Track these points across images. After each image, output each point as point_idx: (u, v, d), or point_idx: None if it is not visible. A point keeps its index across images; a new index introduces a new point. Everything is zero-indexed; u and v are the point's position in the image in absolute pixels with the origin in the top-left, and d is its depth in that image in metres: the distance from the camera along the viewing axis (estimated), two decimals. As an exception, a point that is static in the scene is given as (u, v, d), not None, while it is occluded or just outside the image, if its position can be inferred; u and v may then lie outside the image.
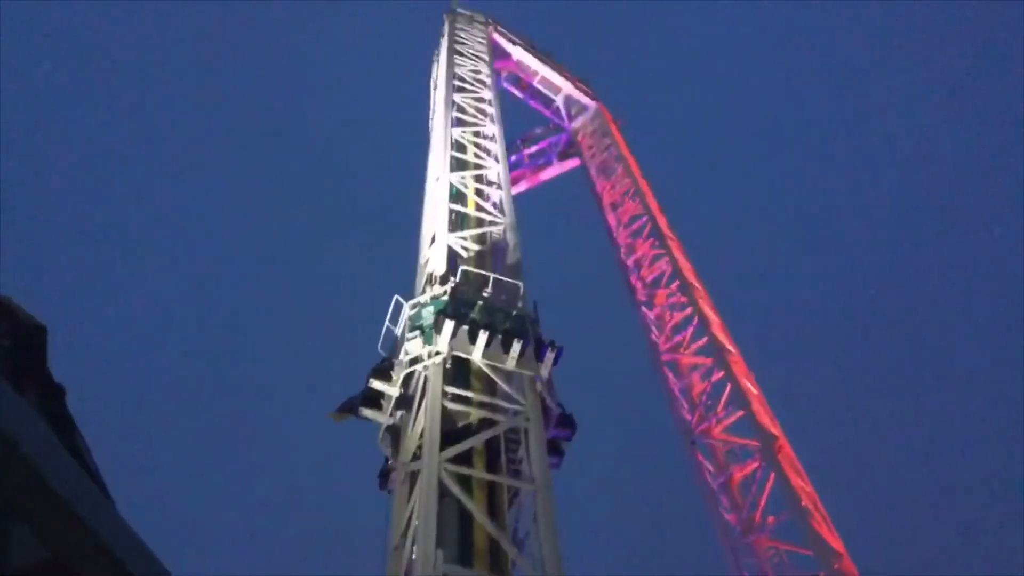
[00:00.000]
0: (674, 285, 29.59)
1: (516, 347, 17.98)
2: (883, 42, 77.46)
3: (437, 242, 21.75)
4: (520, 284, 20.75)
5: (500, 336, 18.11)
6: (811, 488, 24.05)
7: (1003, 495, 61.65)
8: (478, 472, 17.08)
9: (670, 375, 27.58)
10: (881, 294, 75.74)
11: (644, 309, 29.41)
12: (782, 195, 78.56)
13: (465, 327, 18.02)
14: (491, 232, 23.16)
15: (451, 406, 18.05)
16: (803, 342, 72.62)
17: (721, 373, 26.62)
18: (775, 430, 25.62)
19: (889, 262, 75.87)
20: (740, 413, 25.52)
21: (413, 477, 16.78)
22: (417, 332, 18.43)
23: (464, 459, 17.16)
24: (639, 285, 30.08)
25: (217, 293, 77.62)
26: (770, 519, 23.31)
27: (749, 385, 26.79)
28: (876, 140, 78.84)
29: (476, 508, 15.89)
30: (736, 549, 23.04)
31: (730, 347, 27.91)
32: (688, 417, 26.36)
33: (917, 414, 69.36)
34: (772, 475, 23.57)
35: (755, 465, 24.23)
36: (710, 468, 25.13)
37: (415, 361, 18.01)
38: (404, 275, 22.80)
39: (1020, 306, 65.91)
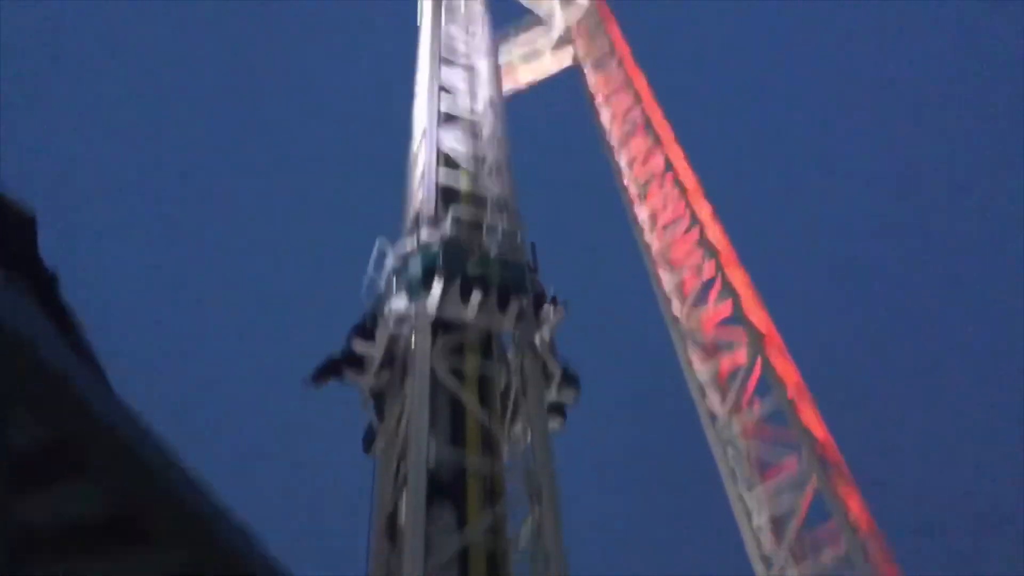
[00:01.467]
0: (668, 181, 29.65)
1: (514, 307, 16.65)
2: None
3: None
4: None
5: (495, 293, 16.65)
6: (798, 376, 24.81)
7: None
8: (470, 363, 17.72)
9: (663, 274, 28.00)
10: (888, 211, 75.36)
11: (636, 209, 29.60)
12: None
13: (457, 282, 16.45)
14: (482, 144, 21.27)
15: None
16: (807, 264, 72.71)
17: (712, 268, 27.01)
18: (764, 320, 26.23)
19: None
20: (730, 307, 26.05)
21: (405, 372, 17.40)
22: (403, 286, 16.95)
23: (456, 351, 17.85)
24: (632, 186, 30.18)
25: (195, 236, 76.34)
26: (756, 404, 24.11)
27: (739, 277, 27.25)
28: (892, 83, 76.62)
29: (468, 397, 16.58)
30: (722, 437, 23.94)
31: (721, 241, 28.21)
32: (678, 312, 26.90)
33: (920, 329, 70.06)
34: (759, 363, 24.26)
35: (743, 354, 24.90)
36: (699, 360, 25.81)
37: (401, 321, 16.62)
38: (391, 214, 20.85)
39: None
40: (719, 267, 26.72)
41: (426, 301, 16.32)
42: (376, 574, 14.81)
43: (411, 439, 15.31)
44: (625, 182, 30.40)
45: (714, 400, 24.99)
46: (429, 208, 18.78)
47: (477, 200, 19.95)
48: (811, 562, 21.38)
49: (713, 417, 24.53)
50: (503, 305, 16.62)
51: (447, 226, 18.13)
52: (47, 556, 2.88)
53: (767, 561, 21.87)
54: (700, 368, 25.66)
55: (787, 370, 25.01)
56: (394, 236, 18.86)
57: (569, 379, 17.21)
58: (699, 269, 27.29)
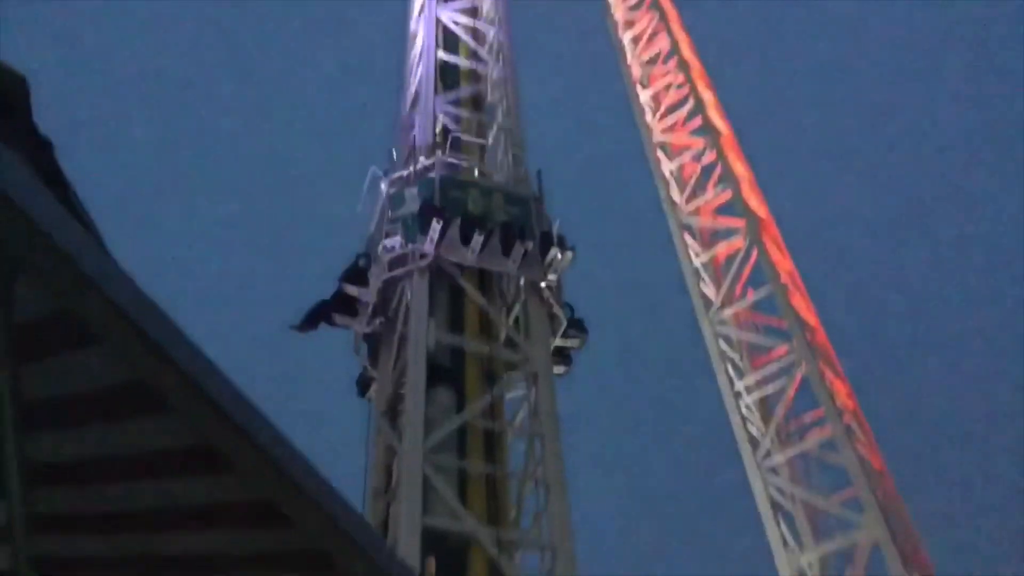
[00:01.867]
0: (672, 63, 28.93)
1: (518, 250, 15.46)
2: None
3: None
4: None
5: (499, 233, 15.47)
6: (791, 265, 24.90)
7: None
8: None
9: (663, 158, 27.66)
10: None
11: (639, 89, 28.94)
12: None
13: (457, 223, 15.16)
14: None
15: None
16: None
17: (713, 155, 26.68)
18: (762, 210, 26.12)
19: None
20: (728, 194, 25.87)
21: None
22: (398, 223, 15.79)
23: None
24: (635, 65, 29.42)
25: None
26: (750, 293, 24.28)
27: (740, 167, 26.96)
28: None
29: (467, 283, 16.61)
30: (714, 324, 24.20)
31: (724, 128, 27.77)
32: (677, 198, 26.73)
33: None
34: (755, 251, 24.30)
35: (740, 243, 24.89)
36: (695, 248, 25.82)
37: (396, 263, 15.50)
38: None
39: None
40: (720, 152, 26.40)
41: (423, 244, 15.10)
42: (377, 456, 15.14)
43: (411, 323, 15.41)
44: (629, 61, 29.64)
45: (709, 287, 25.16)
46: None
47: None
48: (796, 446, 21.99)
49: (707, 304, 24.74)
50: (507, 247, 15.49)
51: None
52: (58, 424, 2.86)
53: (754, 443, 22.50)
54: (696, 255, 25.72)
55: (781, 258, 25.10)
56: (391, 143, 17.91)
57: (576, 324, 16.28)
58: (699, 154, 26.96)
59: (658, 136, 27.81)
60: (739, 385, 23.36)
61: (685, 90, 27.90)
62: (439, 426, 14.47)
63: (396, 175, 17.03)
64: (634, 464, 60.39)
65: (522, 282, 15.99)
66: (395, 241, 15.53)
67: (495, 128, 18.95)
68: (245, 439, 2.52)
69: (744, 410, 23.04)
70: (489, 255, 15.47)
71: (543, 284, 15.96)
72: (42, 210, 2.24)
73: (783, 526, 21.41)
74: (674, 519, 56.90)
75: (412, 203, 16.09)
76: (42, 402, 2.84)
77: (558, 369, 16.12)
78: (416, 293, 15.15)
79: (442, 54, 19.71)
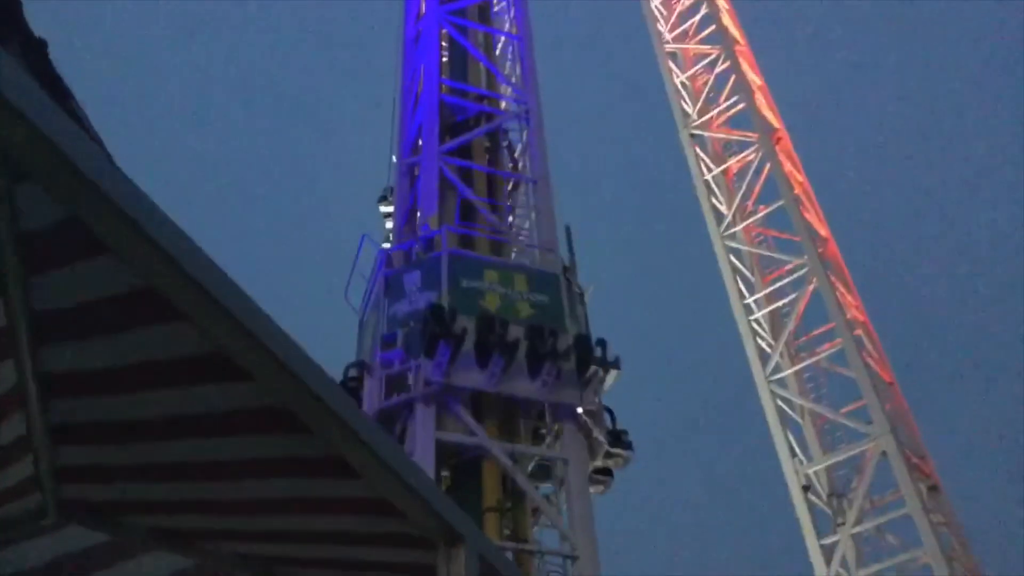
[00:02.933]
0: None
1: (548, 372, 12.43)
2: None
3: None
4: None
5: (523, 344, 12.44)
6: (804, 178, 24.61)
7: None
8: (478, 164, 17.55)
9: (673, 67, 27.07)
10: None
11: (650, -2, 28.15)
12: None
13: (470, 340, 12.06)
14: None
15: (449, 99, 18.05)
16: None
17: (726, 64, 26.10)
18: (776, 122, 25.68)
19: None
20: (742, 105, 25.40)
21: (413, 171, 17.28)
22: (396, 325, 12.89)
23: (464, 153, 17.56)
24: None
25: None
26: (761, 208, 24.09)
27: (753, 76, 26.40)
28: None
29: (476, 197, 16.55)
30: (725, 239, 24.07)
31: (738, 36, 27.10)
32: (689, 110, 26.27)
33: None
34: (768, 165, 24.00)
35: (752, 156, 24.58)
36: (706, 161, 25.51)
37: (395, 384, 12.59)
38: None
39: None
40: (734, 61, 25.81)
41: (428, 368, 12.10)
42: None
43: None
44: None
45: (720, 201, 24.94)
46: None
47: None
48: (806, 359, 22.12)
49: (718, 218, 24.57)
50: (534, 366, 12.48)
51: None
52: (71, 334, 2.85)
53: (763, 357, 22.62)
54: (708, 167, 25.41)
55: (794, 170, 24.79)
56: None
57: (618, 440, 13.42)
58: (713, 63, 26.37)
59: (669, 45, 27.18)
60: (749, 300, 23.39)
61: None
62: None
63: (395, 249, 14.56)
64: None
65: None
66: (394, 355, 12.65)
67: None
68: (258, 344, 2.49)
69: (754, 325, 23.13)
70: (512, 378, 12.48)
71: (580, 410, 13.09)
72: (42, 113, 2.17)
73: (791, 437, 21.72)
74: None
75: (414, 295, 13.17)
76: (53, 313, 2.81)
77: (595, 488, 13.39)
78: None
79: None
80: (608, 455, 13.24)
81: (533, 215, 17.21)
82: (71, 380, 2.99)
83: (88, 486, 3.42)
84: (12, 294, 2.83)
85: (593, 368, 12.81)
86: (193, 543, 3.57)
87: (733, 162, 25.09)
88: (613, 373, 13.06)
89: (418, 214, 15.54)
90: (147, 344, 2.71)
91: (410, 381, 12.16)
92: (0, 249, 2.66)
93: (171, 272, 2.36)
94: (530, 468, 13.30)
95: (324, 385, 2.70)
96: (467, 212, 16.24)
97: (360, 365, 12.95)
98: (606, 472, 13.43)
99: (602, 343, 13.13)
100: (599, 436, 13.17)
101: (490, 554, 2.99)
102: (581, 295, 14.54)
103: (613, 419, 13.60)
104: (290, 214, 67.75)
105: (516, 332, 12.53)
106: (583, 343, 12.98)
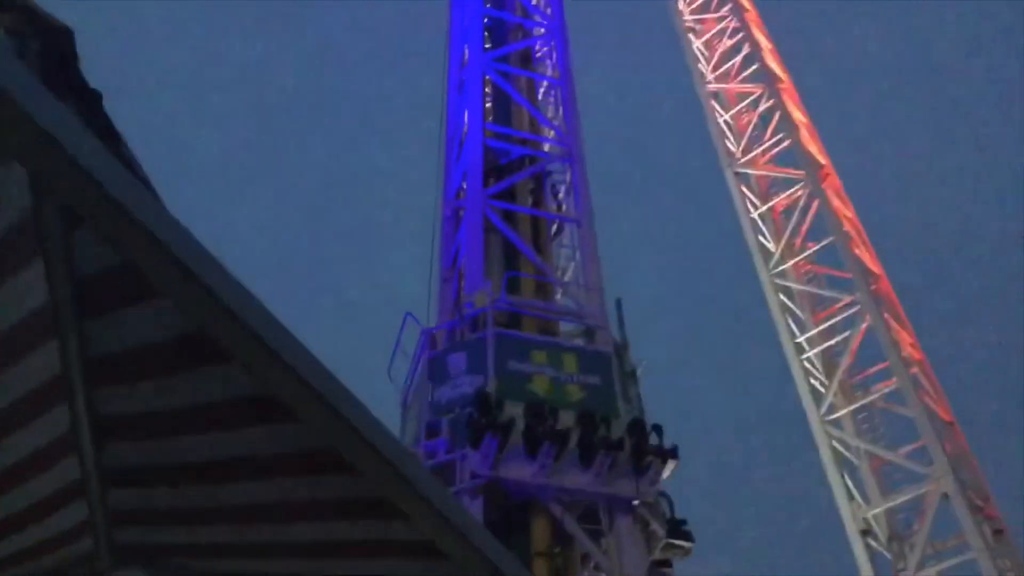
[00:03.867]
0: (725, 8, 28.18)
1: (601, 461, 11.85)
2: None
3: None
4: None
5: (575, 433, 11.89)
6: (853, 214, 24.28)
7: None
8: (522, 206, 17.65)
9: (716, 106, 27.06)
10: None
11: (691, 36, 28.28)
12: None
13: (519, 433, 11.64)
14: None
15: (493, 143, 18.24)
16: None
17: (770, 102, 26.02)
18: (822, 158, 25.45)
19: None
20: (787, 143, 25.25)
21: (458, 214, 17.43)
22: (441, 412, 12.50)
23: (508, 195, 17.67)
24: (686, 11, 28.70)
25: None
26: (810, 244, 23.79)
27: (798, 114, 26.27)
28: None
29: (521, 239, 16.60)
30: (774, 277, 23.78)
31: (781, 74, 27.05)
32: (733, 148, 26.19)
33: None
34: (816, 202, 23.75)
35: (799, 193, 24.35)
36: (752, 199, 25.33)
37: (439, 474, 11.66)
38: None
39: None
40: (778, 99, 25.73)
41: (474, 459, 11.65)
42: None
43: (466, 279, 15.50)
44: (680, 6, 28.95)
45: (767, 239, 24.69)
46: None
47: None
48: (861, 398, 21.61)
49: (766, 256, 24.30)
50: (586, 456, 11.89)
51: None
52: (124, 379, 2.89)
53: (817, 397, 22.16)
54: (755, 204, 25.22)
55: (843, 207, 24.48)
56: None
57: (677, 531, 12.64)
58: (756, 102, 26.31)
59: (712, 85, 27.21)
60: (801, 339, 22.99)
61: (740, 35, 27.20)
62: None
63: (438, 328, 13.99)
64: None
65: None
66: (438, 444, 12.10)
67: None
68: (306, 388, 2.51)
69: (806, 364, 22.70)
70: (563, 469, 11.87)
71: (636, 502, 12.32)
72: (98, 162, 2.23)
73: (848, 480, 21.15)
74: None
75: (459, 379, 12.65)
76: (107, 357, 2.87)
77: None
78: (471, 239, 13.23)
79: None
80: (667, 546, 12.58)
81: (577, 256, 17.24)
82: (123, 424, 3.03)
83: (140, 529, 3.45)
84: (67, 339, 2.90)
85: (649, 458, 12.16)
86: (243, 587, 3.57)
87: (780, 199, 24.88)
88: (671, 463, 12.32)
89: (462, 279, 15.28)
90: (197, 387, 2.74)
91: (456, 472, 11.69)
92: (56, 294, 2.72)
93: (224, 318, 2.39)
94: (579, 512, 12.83)
95: (370, 426, 2.70)
96: (511, 259, 16.26)
97: None
98: (665, 563, 12.78)
99: (658, 429, 12.53)
100: (656, 528, 12.47)
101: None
102: (634, 373, 13.86)
103: (672, 507, 12.90)
104: (329, 281, 68.51)
105: (567, 420, 12.03)
106: (638, 430, 12.33)
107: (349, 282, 67.38)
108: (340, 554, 3.23)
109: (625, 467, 12.07)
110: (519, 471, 11.68)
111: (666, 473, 12.42)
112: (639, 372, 13.95)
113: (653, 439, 12.42)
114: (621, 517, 12.29)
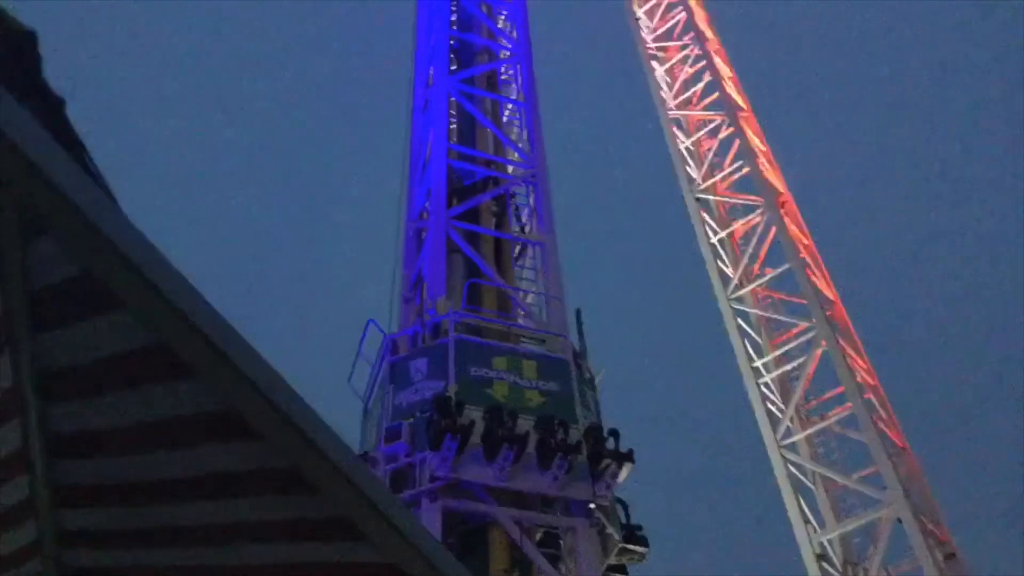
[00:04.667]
0: (687, 36, 28.62)
1: (559, 465, 12.02)
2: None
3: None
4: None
5: (533, 437, 12.12)
6: (810, 241, 24.68)
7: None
8: (485, 227, 17.66)
9: (678, 133, 27.41)
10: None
11: (654, 63, 28.67)
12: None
13: (478, 435, 11.82)
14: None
15: (457, 164, 18.24)
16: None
17: (730, 129, 26.43)
18: (780, 186, 25.87)
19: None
20: (746, 170, 25.63)
21: (421, 234, 17.38)
22: (400, 416, 12.59)
23: (471, 216, 17.67)
24: (649, 38, 29.11)
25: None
26: (768, 270, 24.11)
27: (757, 142, 26.71)
28: None
29: (484, 260, 16.59)
30: (732, 302, 24.04)
31: (742, 103, 27.51)
32: (694, 175, 26.51)
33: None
34: (773, 229, 24.11)
35: (757, 220, 24.70)
36: (712, 225, 25.63)
37: (399, 479, 12.11)
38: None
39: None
40: (738, 127, 26.15)
41: (434, 462, 11.76)
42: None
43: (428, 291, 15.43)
44: (643, 34, 29.35)
45: (726, 264, 24.98)
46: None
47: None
48: (816, 423, 21.86)
49: (725, 282, 24.58)
50: (544, 459, 12.10)
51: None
52: (80, 393, 2.80)
53: (773, 421, 22.37)
54: (713, 233, 25.53)
55: (800, 234, 24.89)
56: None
57: (633, 536, 12.92)
58: (716, 130, 26.71)
59: (673, 112, 27.57)
60: (758, 363, 23.23)
61: (702, 63, 27.63)
62: None
63: (400, 334, 14.20)
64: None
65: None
66: (398, 447, 12.15)
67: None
68: (270, 406, 2.45)
69: (763, 388, 22.93)
70: (521, 472, 12.07)
71: (592, 505, 12.53)
72: (58, 169, 2.17)
73: (803, 504, 21.34)
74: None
75: (420, 384, 12.79)
76: (61, 371, 2.78)
77: None
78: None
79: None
80: (623, 551, 12.83)
81: (540, 278, 17.30)
82: (77, 440, 2.93)
83: (92, 551, 3.33)
84: (20, 352, 2.80)
85: (606, 461, 12.41)
86: (196, 611, 3.46)
87: (738, 225, 25.22)
88: (627, 467, 12.56)
89: (424, 293, 15.39)
90: (155, 403, 2.66)
91: (416, 475, 11.83)
92: (9, 305, 2.63)
93: (184, 329, 2.33)
94: (538, 537, 12.98)
95: (334, 445, 2.64)
96: (473, 281, 16.24)
97: (363, 457, 12.49)
98: (620, 569, 13.02)
99: (615, 433, 12.79)
100: (612, 532, 12.72)
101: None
102: (592, 380, 14.17)
103: (627, 513, 13.18)
104: (292, 292, 68.00)
105: (525, 424, 12.22)
106: (595, 434, 12.62)
107: (309, 290, 66.84)
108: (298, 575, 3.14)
109: (582, 470, 12.25)
110: (478, 473, 11.79)
111: (622, 476, 12.59)
112: (598, 380, 14.22)
113: (610, 444, 12.62)
114: (578, 520, 12.42)
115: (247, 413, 2.54)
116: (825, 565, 20.23)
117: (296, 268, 69.44)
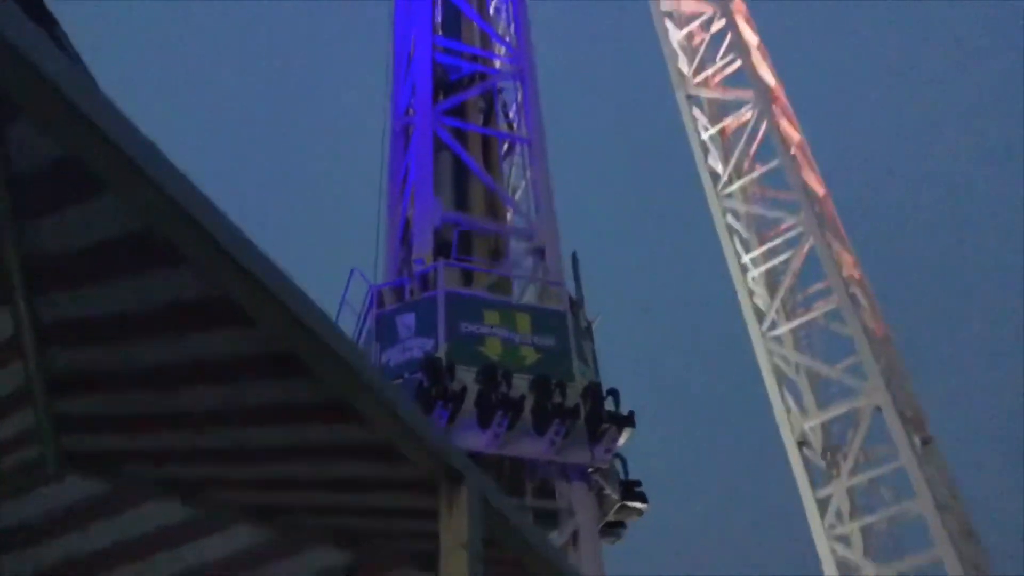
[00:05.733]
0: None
1: (556, 429, 11.58)
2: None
3: (420, 198, 14.69)
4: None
5: (529, 398, 11.61)
6: (801, 137, 24.45)
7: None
8: (473, 124, 17.43)
9: (669, 26, 26.74)
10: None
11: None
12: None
13: (471, 398, 11.32)
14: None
15: (443, 58, 17.84)
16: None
17: (722, 22, 25.78)
18: (772, 79, 25.44)
19: None
20: (738, 63, 25.14)
21: (407, 131, 17.14)
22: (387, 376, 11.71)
23: (458, 113, 17.40)
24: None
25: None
26: (758, 166, 23.96)
27: (750, 35, 26.09)
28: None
29: (472, 158, 16.44)
30: (722, 199, 23.97)
31: (733, -7, 26.75)
32: (685, 70, 26.00)
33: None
34: (764, 123, 23.83)
35: (748, 115, 24.38)
36: (703, 121, 25.30)
37: None
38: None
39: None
40: (729, 19, 25.51)
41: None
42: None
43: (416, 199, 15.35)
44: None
45: (716, 161, 24.81)
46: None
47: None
48: (802, 316, 22.17)
49: (715, 179, 24.45)
50: (540, 423, 11.56)
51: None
52: (68, 281, 2.81)
53: (759, 315, 22.66)
54: (704, 129, 25.25)
55: (791, 129, 24.63)
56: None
57: (631, 492, 12.60)
58: (708, 22, 26.06)
59: (665, 3, 26.83)
60: (746, 259, 23.36)
61: (693, -47, 26.72)
62: None
63: (386, 285, 13.36)
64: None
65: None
66: None
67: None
68: (260, 288, 2.46)
69: (750, 283, 23.13)
70: (516, 438, 11.61)
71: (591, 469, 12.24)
72: (36, 48, 2.10)
73: (787, 395, 21.85)
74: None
75: (407, 341, 12.19)
76: (49, 259, 2.77)
77: (607, 540, 12.77)
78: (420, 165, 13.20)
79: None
80: (621, 508, 12.54)
81: (528, 175, 17.20)
82: (68, 328, 2.95)
83: (88, 436, 3.40)
84: (5, 240, 2.79)
85: (605, 426, 11.97)
86: (195, 492, 3.57)
87: (730, 120, 24.89)
88: (627, 431, 12.11)
89: (412, 195, 15.07)
90: (146, 289, 2.67)
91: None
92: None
93: (171, 213, 2.31)
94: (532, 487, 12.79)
95: (327, 330, 2.67)
96: (461, 178, 16.12)
97: None
98: (619, 524, 12.84)
99: (614, 393, 12.33)
100: (611, 492, 12.43)
101: (491, 494, 2.99)
102: (589, 329, 13.55)
103: (626, 468, 12.79)
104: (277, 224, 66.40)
105: (520, 386, 11.70)
106: (594, 394, 12.14)
107: (292, 236, 65.89)
108: (297, 458, 3.23)
109: (580, 435, 11.81)
110: (471, 441, 11.17)
111: (622, 440, 12.19)
112: (594, 326, 13.70)
113: (609, 404, 12.25)
114: (576, 483, 12.17)
115: (239, 299, 2.55)
116: (806, 451, 20.86)
117: (282, 180, 68.32)
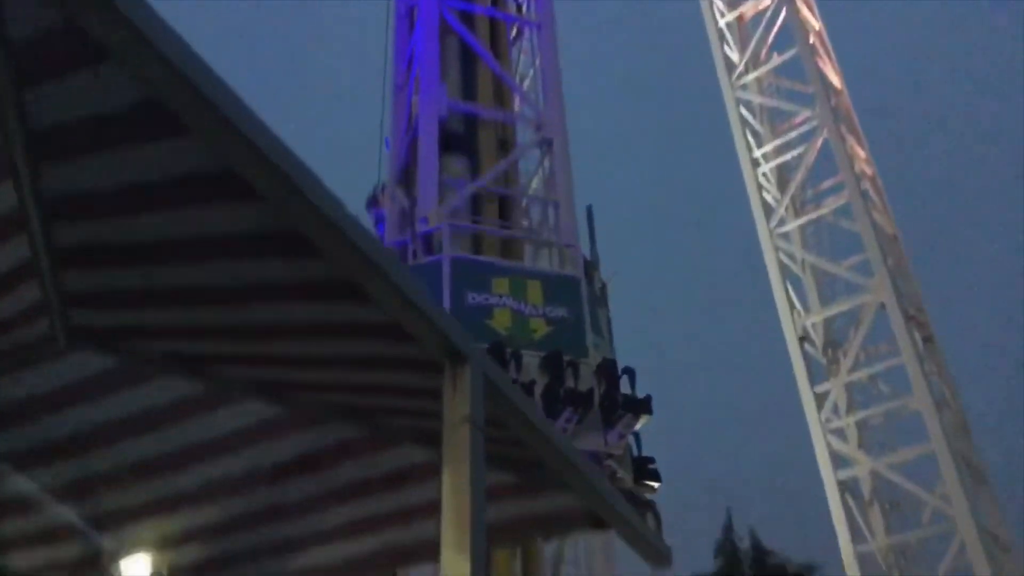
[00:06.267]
0: None
1: (567, 416, 11.02)
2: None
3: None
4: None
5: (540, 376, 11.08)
6: (820, 24, 23.71)
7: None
8: (481, 6, 16.89)
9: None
10: None
11: None
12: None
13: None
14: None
15: None
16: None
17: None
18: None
19: None
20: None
21: (412, 13, 16.64)
22: None
23: None
24: None
25: None
26: (776, 56, 23.34)
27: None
28: None
29: (478, 42, 16.00)
30: (736, 89, 23.43)
31: None
32: (703, -50, 25.02)
33: None
34: (784, 9, 23.11)
35: (767, 1, 23.61)
36: (720, 7, 24.50)
37: None
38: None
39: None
40: None
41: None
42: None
43: (422, 86, 15.03)
44: None
45: (732, 50, 24.13)
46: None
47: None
48: (811, 212, 22.02)
49: (730, 67, 23.84)
50: (551, 405, 10.92)
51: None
52: (70, 151, 2.75)
53: (768, 211, 22.51)
54: (720, 14, 24.45)
55: (811, 17, 23.87)
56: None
57: (644, 470, 12.05)
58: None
59: None
60: (757, 153, 23.03)
61: None
62: (452, 193, 14.05)
63: (387, 245, 13.06)
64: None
65: None
66: None
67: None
68: (265, 161, 2.40)
69: (761, 178, 22.88)
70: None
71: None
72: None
73: (791, 291, 21.93)
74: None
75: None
76: (50, 130, 2.70)
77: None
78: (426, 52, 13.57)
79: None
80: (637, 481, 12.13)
81: (537, 62, 16.86)
82: (73, 201, 2.91)
83: (96, 311, 3.41)
84: (5, 109, 2.71)
85: (620, 412, 11.47)
86: (203, 368, 3.61)
87: (747, 6, 24.10)
88: (644, 417, 11.64)
89: (416, 84, 14.71)
90: (152, 162, 2.61)
91: None
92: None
93: (175, 82, 2.24)
94: None
95: (335, 207, 2.63)
96: (468, 63, 15.72)
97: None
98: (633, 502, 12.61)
99: (630, 372, 11.81)
100: (624, 475, 11.86)
101: (494, 373, 3.02)
102: (604, 291, 13.01)
103: (639, 444, 12.24)
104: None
105: (531, 367, 11.18)
106: (608, 374, 11.63)
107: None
108: (303, 335, 3.24)
109: (593, 420, 11.37)
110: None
111: (637, 426, 11.77)
112: (609, 287, 13.15)
113: (624, 384, 11.79)
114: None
115: (246, 174, 2.50)
116: (807, 347, 21.09)
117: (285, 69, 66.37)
